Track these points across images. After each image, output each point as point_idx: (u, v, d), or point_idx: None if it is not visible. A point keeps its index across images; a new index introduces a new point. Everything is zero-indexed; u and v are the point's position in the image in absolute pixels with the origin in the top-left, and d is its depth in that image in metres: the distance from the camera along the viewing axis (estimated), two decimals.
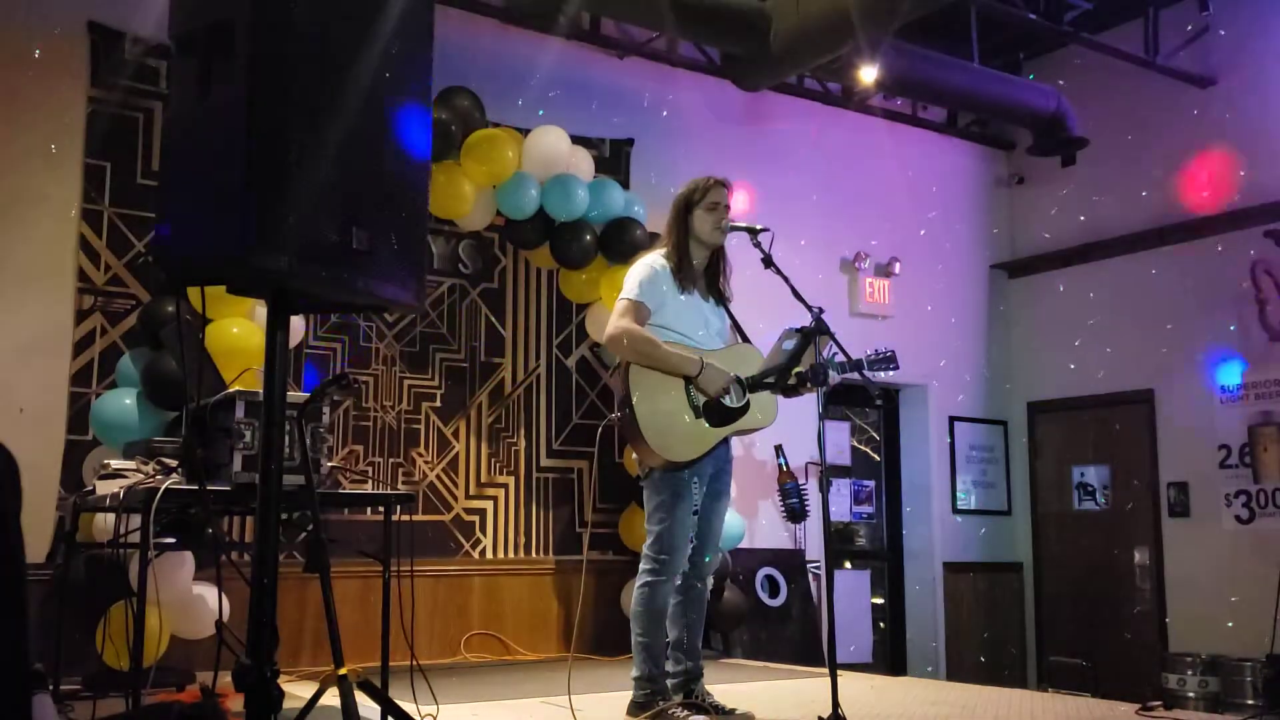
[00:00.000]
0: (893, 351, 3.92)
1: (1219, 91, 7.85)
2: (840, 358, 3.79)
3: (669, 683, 3.90)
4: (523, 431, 6.56)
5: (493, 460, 6.45)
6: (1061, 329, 8.61)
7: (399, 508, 4.01)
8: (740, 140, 7.61)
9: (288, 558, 4.87)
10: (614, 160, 6.95)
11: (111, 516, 3.89)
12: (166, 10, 2.28)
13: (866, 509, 8.54)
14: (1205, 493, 7.74)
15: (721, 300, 4.11)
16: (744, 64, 7.03)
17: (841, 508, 8.33)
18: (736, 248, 4.08)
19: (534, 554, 6.47)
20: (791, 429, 4.95)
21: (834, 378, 3.77)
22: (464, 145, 5.97)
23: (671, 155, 6.98)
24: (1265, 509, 7.43)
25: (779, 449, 6.73)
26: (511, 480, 6.49)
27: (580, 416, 6.72)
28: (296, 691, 3.38)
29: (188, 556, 4.76)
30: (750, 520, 6.42)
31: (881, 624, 8.44)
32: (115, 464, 3.90)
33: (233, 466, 3.63)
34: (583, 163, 6.34)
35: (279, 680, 2.30)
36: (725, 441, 3.98)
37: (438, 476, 6.26)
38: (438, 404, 6.31)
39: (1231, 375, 7.62)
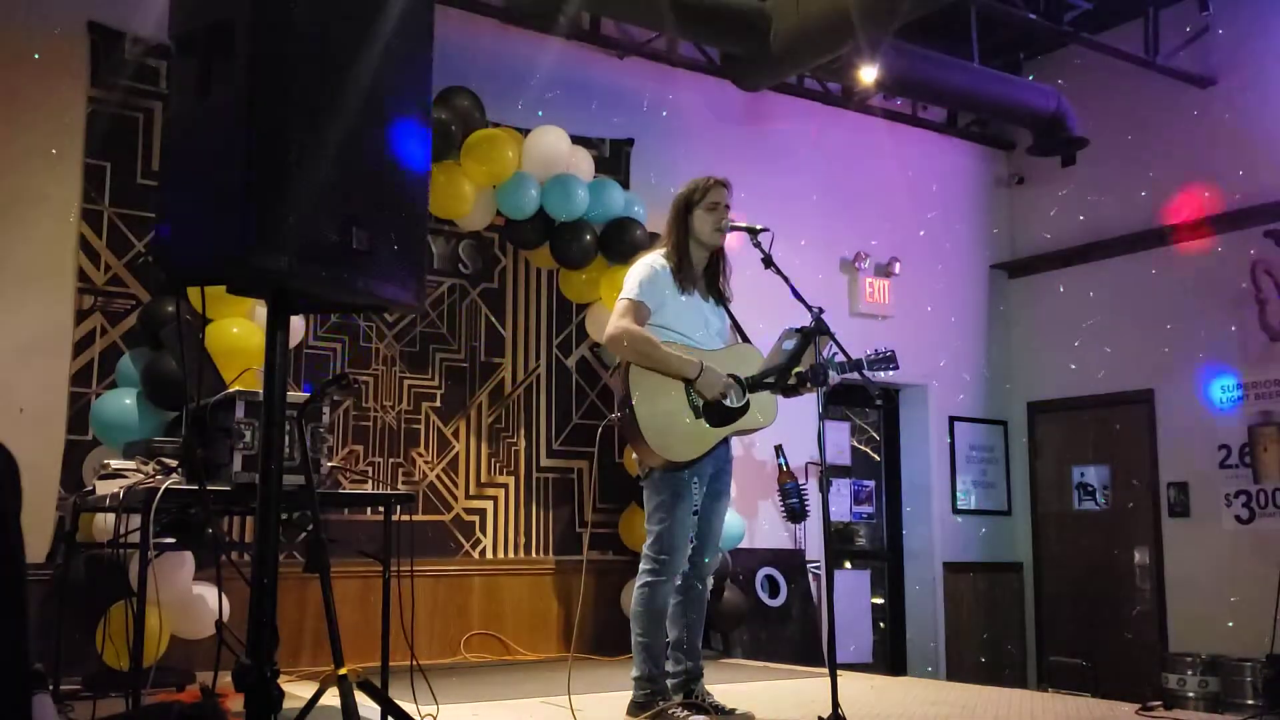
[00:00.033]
0: (892, 351, 3.92)
1: (1219, 91, 7.85)
2: (840, 358, 3.79)
3: (669, 683, 3.90)
4: (523, 431, 6.56)
5: (493, 460, 6.45)
6: (1061, 329, 8.61)
7: (399, 508, 4.01)
8: (740, 140, 7.61)
9: (288, 558, 4.87)
10: (614, 160, 6.95)
11: (111, 516, 3.89)
12: (166, 10, 2.29)
13: (866, 509, 8.54)
14: (1205, 493, 7.74)
15: (721, 300, 4.11)
16: (744, 64, 7.03)
17: (841, 508, 8.32)
18: (736, 248, 4.08)
19: (534, 554, 6.48)
20: (791, 429, 4.95)
21: (834, 378, 3.77)
22: (464, 145, 5.97)
23: (671, 155, 6.98)
24: (1265, 509, 7.43)
25: (779, 449, 6.73)
26: (511, 480, 6.49)
27: (580, 416, 6.72)
28: (296, 691, 3.38)
29: (188, 556, 4.76)
30: (750, 520, 6.42)
31: (881, 624, 8.44)
32: (115, 464, 3.90)
33: (233, 466, 3.63)
34: (583, 163, 6.35)
35: (279, 680, 2.30)
36: (725, 441, 3.99)
37: (438, 476, 6.26)
38: (438, 404, 6.31)
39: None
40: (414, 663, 3.52)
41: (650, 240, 5.81)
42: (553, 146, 6.14)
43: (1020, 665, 8.61)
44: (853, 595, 8.16)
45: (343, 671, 2.80)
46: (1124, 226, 8.28)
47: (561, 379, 6.73)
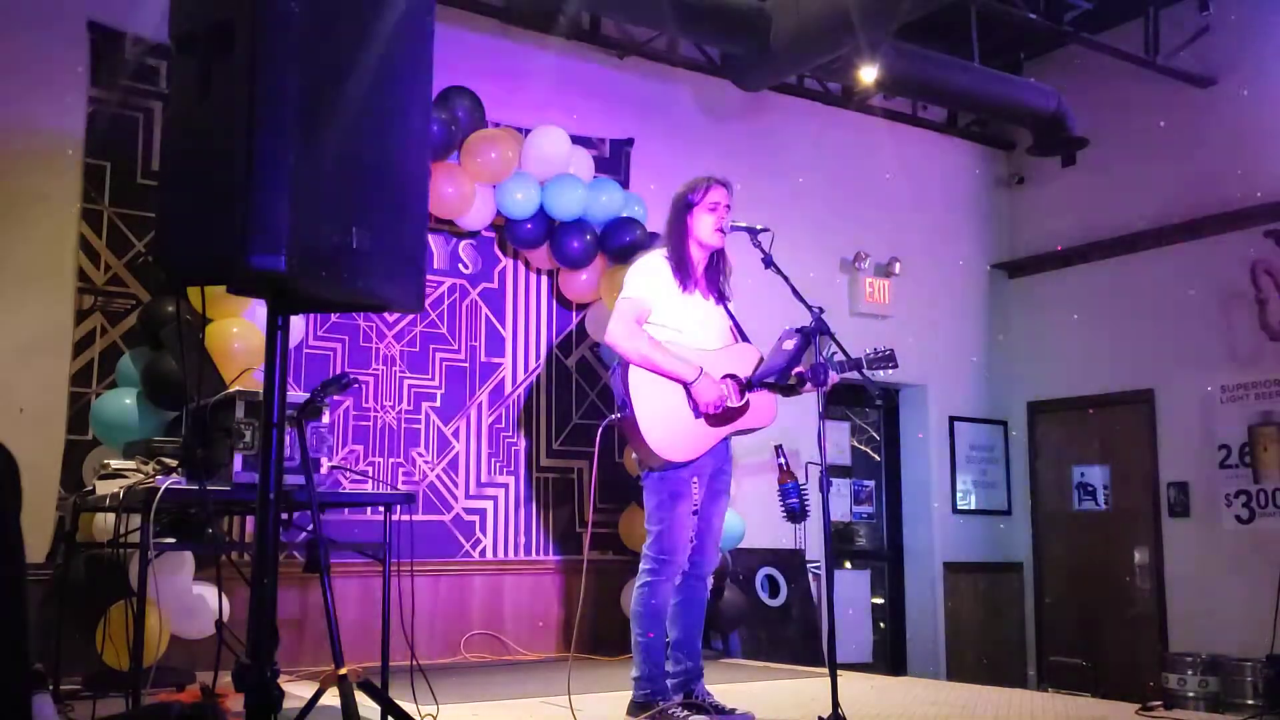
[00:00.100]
0: (891, 350, 3.92)
1: (1219, 91, 7.85)
2: (840, 357, 3.80)
3: (669, 683, 3.90)
4: (523, 431, 6.56)
5: (493, 460, 6.45)
6: (1061, 329, 8.61)
7: (399, 507, 4.01)
8: (740, 140, 7.61)
9: (288, 558, 4.86)
10: (614, 160, 6.95)
11: (111, 516, 3.89)
12: (166, 10, 2.28)
13: (866, 509, 8.54)
14: (1205, 493, 7.74)
15: (722, 300, 4.11)
16: (744, 64, 7.03)
17: (841, 508, 8.33)
18: (736, 248, 4.08)
19: (534, 554, 6.47)
20: (791, 429, 4.95)
21: (833, 377, 3.78)
22: (464, 145, 5.97)
23: (671, 155, 6.98)
24: (1265, 509, 7.43)
25: (779, 449, 6.71)
26: (511, 480, 6.49)
27: (580, 416, 6.72)
28: (296, 691, 3.38)
29: (188, 556, 4.76)
30: (750, 520, 6.41)
31: (881, 624, 8.44)
32: (115, 464, 3.91)
33: (233, 466, 3.63)
34: (583, 163, 6.35)
35: (279, 680, 2.30)
36: (725, 441, 3.99)
37: (438, 476, 6.26)
38: (438, 404, 6.31)
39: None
40: (414, 663, 3.52)
41: (650, 240, 5.81)
42: (553, 146, 6.14)
43: (1020, 665, 8.61)
44: (853, 595, 8.16)
45: (343, 671, 2.80)
46: (1124, 226, 8.28)
47: (561, 379, 6.73)
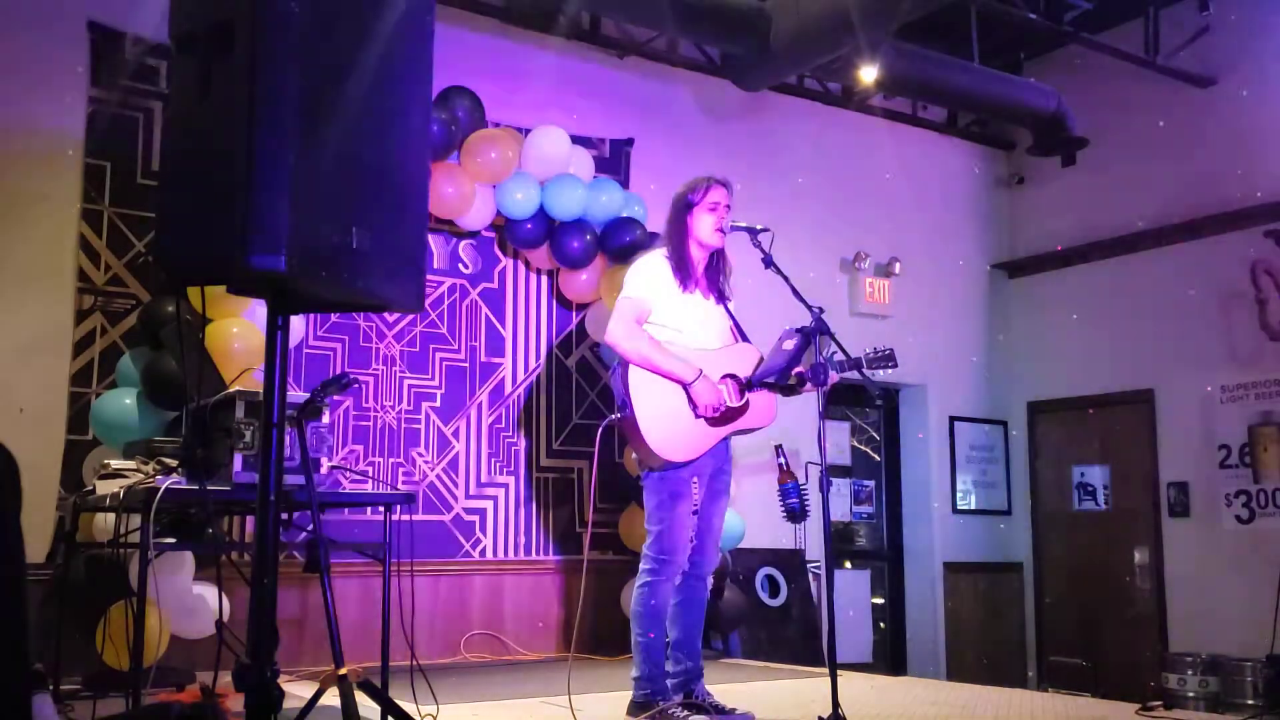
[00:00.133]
0: (891, 350, 3.91)
1: (1219, 91, 7.85)
2: (840, 357, 3.80)
3: (669, 683, 3.90)
4: (523, 431, 6.56)
5: (493, 460, 6.45)
6: (1061, 329, 8.61)
7: (399, 507, 4.01)
8: (740, 140, 7.61)
9: (288, 558, 4.86)
10: (614, 160, 6.95)
11: (111, 516, 3.89)
12: (166, 10, 2.28)
13: (866, 509, 8.54)
14: (1205, 493, 7.74)
15: (722, 299, 4.11)
16: (744, 64, 7.03)
17: (841, 508, 8.32)
18: (737, 248, 4.08)
19: (534, 554, 6.47)
20: (791, 429, 4.95)
21: (833, 376, 3.78)
22: (464, 145, 5.97)
23: (671, 155, 6.98)
24: (1265, 509, 7.43)
25: (779, 449, 6.71)
26: (511, 480, 6.49)
27: (580, 416, 6.72)
28: (296, 691, 3.38)
29: (188, 556, 4.76)
30: (750, 520, 6.41)
31: (881, 624, 8.44)
32: (115, 464, 3.91)
33: (233, 466, 3.63)
34: (583, 163, 6.35)
35: (279, 680, 2.30)
36: (725, 441, 3.99)
37: (438, 476, 6.26)
38: (438, 404, 6.31)
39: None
40: (414, 663, 3.52)
41: (650, 240, 5.81)
42: (553, 146, 6.14)
43: (1020, 665, 8.61)
44: (853, 595, 8.16)
45: (343, 671, 2.80)
46: (1124, 226, 8.28)
47: (561, 379, 6.73)
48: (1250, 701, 6.69)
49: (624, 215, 6.31)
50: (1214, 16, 7.64)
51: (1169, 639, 7.74)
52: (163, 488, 3.49)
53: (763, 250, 3.90)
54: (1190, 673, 7.06)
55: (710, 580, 4.09)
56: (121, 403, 4.85)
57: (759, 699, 4.38)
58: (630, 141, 7.04)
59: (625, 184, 6.73)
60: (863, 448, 8.58)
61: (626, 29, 7.15)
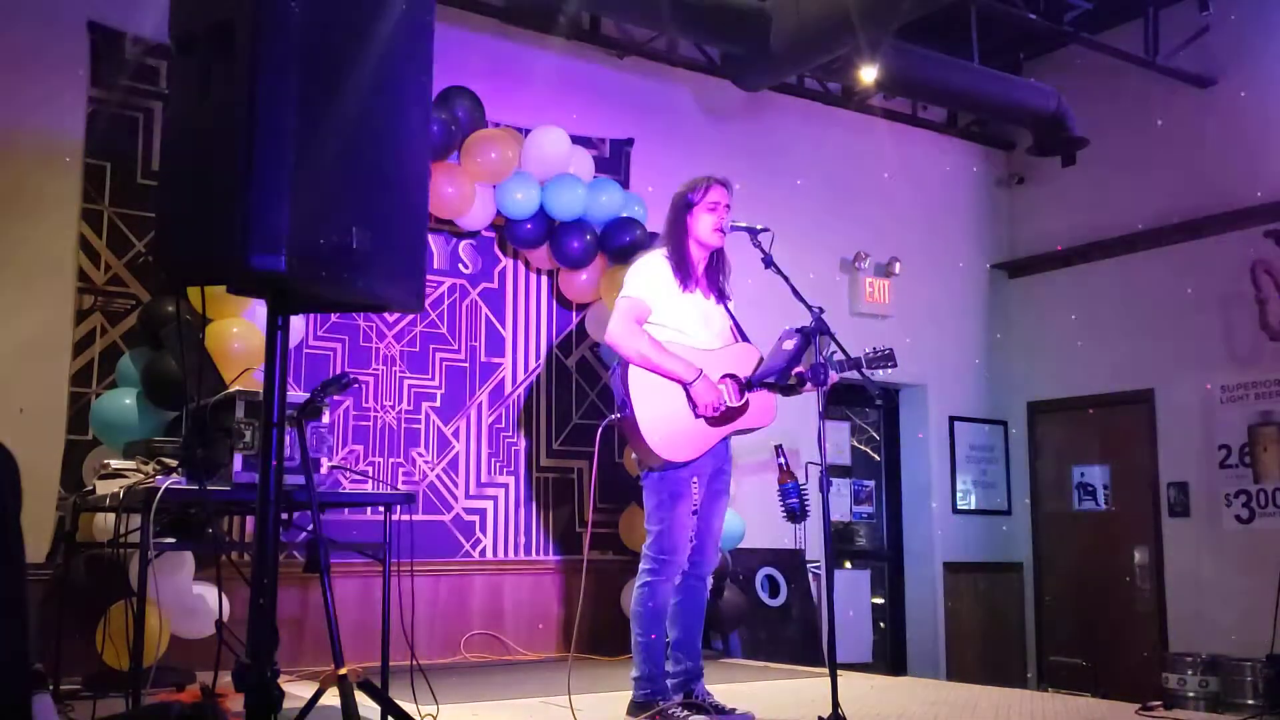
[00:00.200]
0: (891, 350, 3.91)
1: (1219, 91, 7.85)
2: (840, 357, 3.80)
3: (669, 682, 3.90)
4: (523, 431, 6.56)
5: (493, 460, 6.45)
6: (1061, 329, 8.61)
7: (399, 507, 4.01)
8: (740, 140, 7.61)
9: (288, 558, 4.86)
10: (614, 160, 6.95)
11: (111, 516, 3.89)
12: (166, 10, 2.28)
13: (866, 509, 8.54)
14: (1205, 493, 7.74)
15: (722, 299, 4.11)
16: (744, 64, 7.03)
17: (841, 508, 8.33)
18: (736, 248, 4.08)
19: (534, 554, 6.47)
20: (791, 429, 4.94)
21: (833, 376, 3.78)
22: (464, 145, 5.97)
23: (671, 155, 6.98)
24: (1265, 509, 7.43)
25: (779, 449, 6.71)
26: (511, 480, 6.49)
27: (580, 416, 6.72)
28: (296, 691, 3.38)
29: (188, 556, 4.76)
30: (750, 520, 6.41)
31: (881, 624, 8.44)
32: (115, 464, 3.91)
33: (233, 466, 3.63)
34: (583, 163, 6.35)
35: (279, 680, 2.30)
36: (725, 441, 3.99)
37: (438, 476, 6.26)
38: (438, 404, 6.31)
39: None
40: (414, 663, 3.52)
41: (650, 240, 5.81)
42: (553, 146, 6.14)
43: (1020, 665, 8.61)
44: (853, 595, 8.16)
45: (343, 671, 2.80)
46: (1124, 226, 8.28)
47: (561, 379, 6.73)
48: (1250, 701, 6.69)
49: (624, 215, 6.31)
50: (1214, 16, 7.63)
51: (1169, 639, 7.74)
52: (163, 488, 3.49)
53: (763, 250, 3.90)
54: (1190, 673, 7.06)
55: (710, 580, 4.09)
56: (121, 403, 4.85)
57: (759, 699, 4.37)
58: (630, 141, 7.04)
59: (625, 184, 6.73)
60: (863, 448, 8.58)
61: (626, 29, 7.15)
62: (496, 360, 6.55)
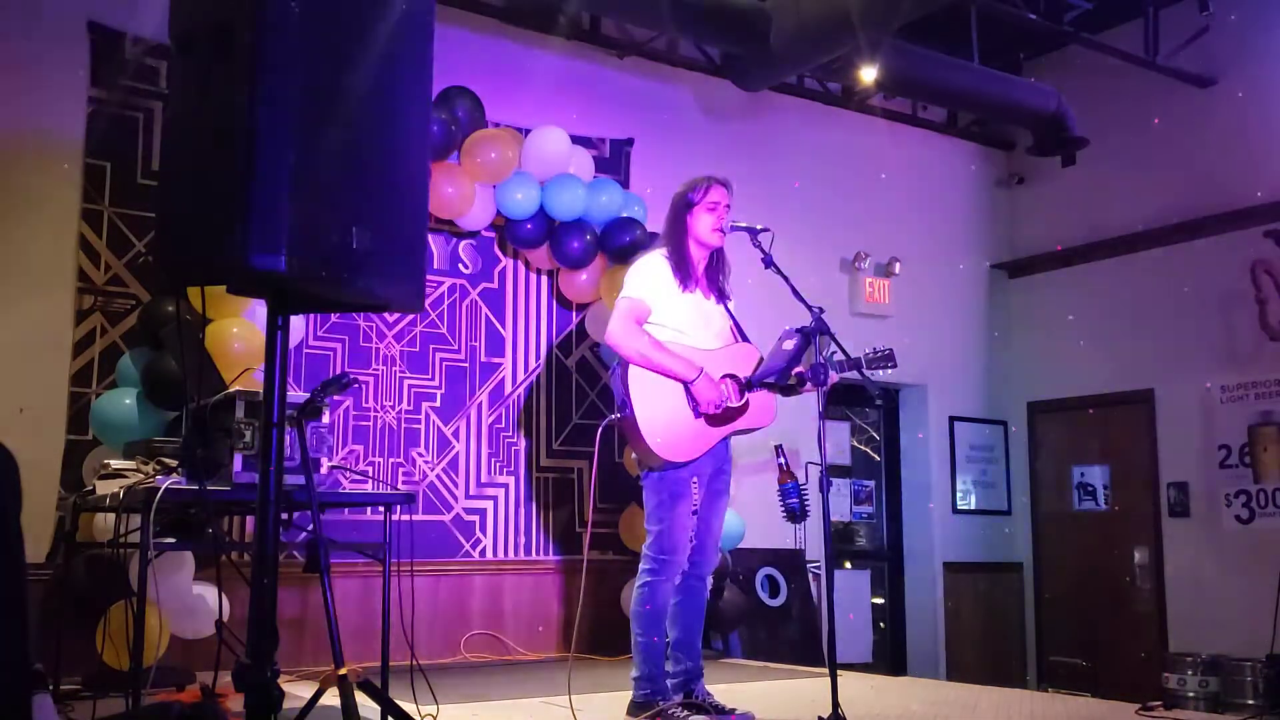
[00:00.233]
0: (890, 350, 3.91)
1: (1219, 91, 7.85)
2: (839, 357, 3.80)
3: (669, 682, 3.90)
4: (523, 431, 6.56)
5: (493, 460, 6.45)
6: (1061, 329, 8.61)
7: (399, 507, 4.01)
8: (740, 140, 7.61)
9: (288, 558, 4.86)
10: (614, 160, 6.95)
11: (111, 516, 3.89)
12: (166, 10, 2.28)
13: (866, 509, 8.54)
14: (1205, 493, 7.74)
15: (722, 299, 4.11)
16: (744, 64, 7.03)
17: (841, 508, 8.32)
18: (736, 248, 4.08)
19: (534, 554, 6.47)
20: (791, 429, 4.95)
21: (833, 376, 3.78)
22: (464, 145, 5.97)
23: (671, 155, 6.98)
24: (1265, 509, 7.43)
25: (779, 449, 6.72)
26: (511, 480, 6.49)
27: (580, 416, 6.72)
28: (296, 691, 3.38)
29: (188, 556, 4.76)
30: (750, 520, 6.41)
31: (881, 624, 8.44)
32: (115, 464, 3.91)
33: (233, 466, 3.63)
34: (583, 163, 6.35)
35: (279, 680, 2.30)
36: (725, 441, 3.99)
37: (438, 476, 6.26)
38: (438, 404, 6.31)
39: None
40: (414, 663, 3.52)
41: (650, 240, 5.81)
42: (553, 146, 6.14)
43: (1020, 665, 8.61)
44: (853, 595, 8.16)
45: (343, 671, 2.80)
46: (1124, 227, 8.28)
47: (561, 379, 6.73)
48: (1250, 701, 6.69)
49: (624, 215, 6.31)
50: (1214, 16, 7.62)
51: (1169, 639, 7.74)
52: (163, 488, 3.49)
53: (763, 250, 3.90)
54: (1190, 673, 7.06)
55: (710, 580, 4.10)
56: (121, 403, 4.85)
57: (759, 699, 4.38)
58: (630, 141, 7.04)
59: (625, 184, 6.73)
60: (863, 448, 8.58)
61: (626, 29, 7.15)
62: (496, 360, 6.55)
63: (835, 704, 3.41)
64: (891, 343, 4.09)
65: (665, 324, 3.92)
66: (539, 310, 6.72)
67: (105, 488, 3.79)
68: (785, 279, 3.82)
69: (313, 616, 5.47)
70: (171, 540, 3.93)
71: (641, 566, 3.90)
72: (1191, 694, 7.00)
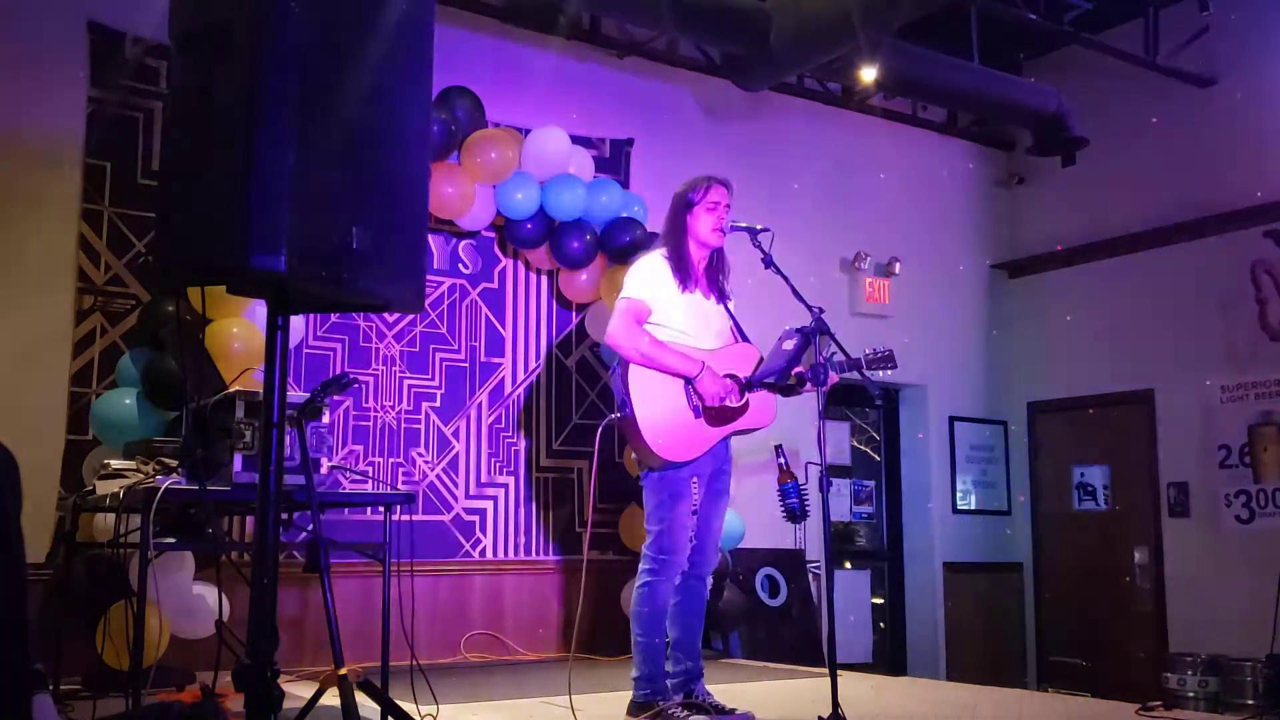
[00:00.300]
0: (890, 350, 3.92)
1: (1219, 91, 7.85)
2: (839, 357, 3.80)
3: (669, 682, 3.90)
4: (523, 431, 6.56)
5: (493, 460, 6.45)
6: (1061, 329, 8.61)
7: (399, 507, 4.01)
8: (740, 140, 7.61)
9: (288, 558, 4.87)
10: (614, 160, 6.95)
11: (111, 516, 3.89)
12: (166, 10, 2.28)
13: (866, 509, 8.54)
14: (1205, 493, 7.74)
15: (722, 299, 4.11)
16: (744, 64, 7.03)
17: (841, 508, 8.32)
18: (736, 248, 4.08)
19: (534, 554, 6.47)
20: (791, 429, 4.95)
21: (833, 377, 3.78)
22: (464, 145, 5.97)
23: (671, 155, 6.98)
24: (1265, 509, 7.43)
25: (779, 449, 6.72)
26: (511, 480, 6.49)
27: (580, 416, 6.72)
28: (296, 691, 3.38)
29: (188, 556, 4.76)
30: (750, 520, 6.41)
31: (881, 624, 8.44)
32: (115, 464, 3.91)
33: (233, 466, 3.63)
34: (583, 163, 6.35)
35: (279, 680, 2.30)
36: (725, 441, 3.99)
37: (438, 476, 6.26)
38: (438, 404, 6.31)
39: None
40: (414, 663, 3.52)
41: (650, 240, 5.81)
42: (553, 146, 6.14)
43: (1020, 665, 8.61)
44: (853, 595, 8.16)
45: (343, 671, 2.80)
46: (1124, 227, 8.28)
47: (561, 379, 6.73)
48: (1250, 701, 6.69)
49: (624, 215, 6.31)
50: (1214, 16, 7.62)
51: (1169, 639, 7.74)
52: (163, 488, 3.49)
53: (763, 250, 3.90)
54: (1190, 673, 7.06)
55: (710, 580, 4.10)
56: (121, 403, 4.85)
57: (759, 699, 4.38)
58: (630, 141, 7.04)
59: (625, 184, 6.73)
60: (863, 448, 8.58)
61: (626, 29, 7.15)
62: (496, 360, 6.55)
63: (835, 704, 3.41)
64: (891, 343, 4.09)
65: (665, 324, 3.92)
66: (539, 310, 6.72)
67: (105, 488, 3.79)
68: (785, 279, 3.82)
69: (313, 616, 5.47)
70: (171, 540, 3.93)
71: (641, 566, 3.90)
72: (1191, 694, 7.00)
